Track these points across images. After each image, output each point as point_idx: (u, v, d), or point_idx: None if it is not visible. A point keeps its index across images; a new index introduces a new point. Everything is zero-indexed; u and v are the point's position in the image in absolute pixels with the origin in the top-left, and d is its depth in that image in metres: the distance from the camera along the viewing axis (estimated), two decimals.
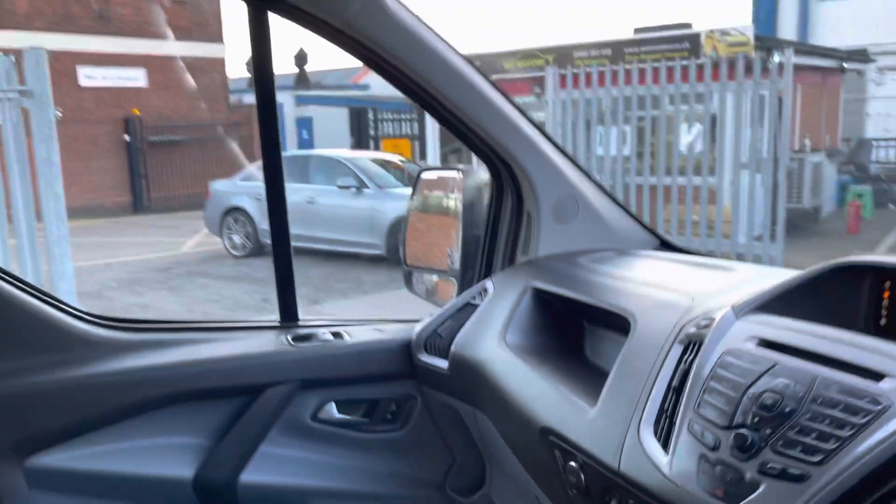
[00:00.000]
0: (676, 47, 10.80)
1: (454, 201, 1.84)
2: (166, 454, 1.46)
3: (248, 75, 19.99)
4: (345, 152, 12.30)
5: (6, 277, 1.37)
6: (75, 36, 16.37)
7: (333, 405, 1.58)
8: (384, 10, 1.38)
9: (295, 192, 10.75)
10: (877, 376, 0.78)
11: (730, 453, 0.83)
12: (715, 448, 0.85)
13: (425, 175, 1.95)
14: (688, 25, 12.18)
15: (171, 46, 18.90)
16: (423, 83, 1.47)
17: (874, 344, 0.83)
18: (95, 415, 1.40)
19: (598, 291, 1.32)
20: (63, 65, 15.70)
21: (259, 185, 11.25)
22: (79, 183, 15.01)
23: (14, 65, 5.83)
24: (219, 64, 19.36)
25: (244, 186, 11.35)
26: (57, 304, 1.44)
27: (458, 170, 1.85)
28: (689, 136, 8.76)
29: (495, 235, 1.72)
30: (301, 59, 23.38)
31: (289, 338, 1.57)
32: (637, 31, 12.41)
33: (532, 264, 1.60)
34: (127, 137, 17.43)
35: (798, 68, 9.86)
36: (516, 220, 1.67)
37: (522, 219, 1.67)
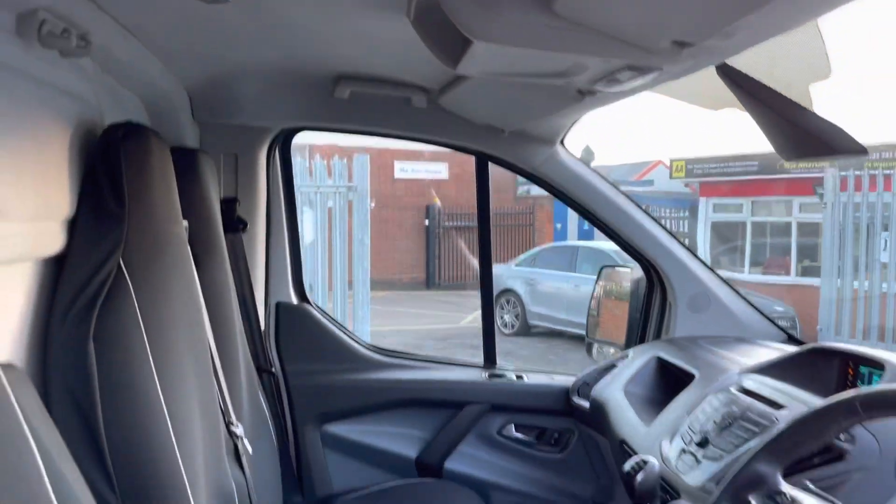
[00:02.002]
0: None
1: (624, 290, 2.45)
2: (400, 440, 2.24)
3: None
4: (613, 245, 12.88)
5: (328, 318, 2.29)
6: None
7: (513, 426, 2.25)
8: (559, 161, 2.10)
9: (563, 280, 11.58)
10: (779, 406, 1.28)
11: (694, 447, 1.36)
12: (688, 444, 1.38)
13: (605, 271, 2.58)
14: None
15: None
16: (588, 207, 2.15)
17: (795, 392, 1.32)
18: (364, 405, 2.24)
19: (690, 359, 1.84)
20: (384, 160, 18.62)
21: (532, 271, 12.36)
22: (384, 260, 17.49)
23: (345, 166, 7.55)
24: None
25: (518, 271, 12.47)
26: (352, 336, 2.33)
27: (628, 267, 2.46)
28: None
29: (647, 318, 2.29)
30: (587, 155, 24.71)
31: (486, 374, 2.29)
32: None
33: (667, 341, 2.14)
34: (426, 222, 19.94)
35: None
36: (661, 307, 2.23)
37: (666, 307, 2.22)
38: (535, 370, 2.36)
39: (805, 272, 12.25)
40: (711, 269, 2.18)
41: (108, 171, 1.24)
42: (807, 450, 0.96)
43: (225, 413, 1.57)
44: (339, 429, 2.24)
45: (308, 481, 2.18)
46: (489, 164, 2.25)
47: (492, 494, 2.19)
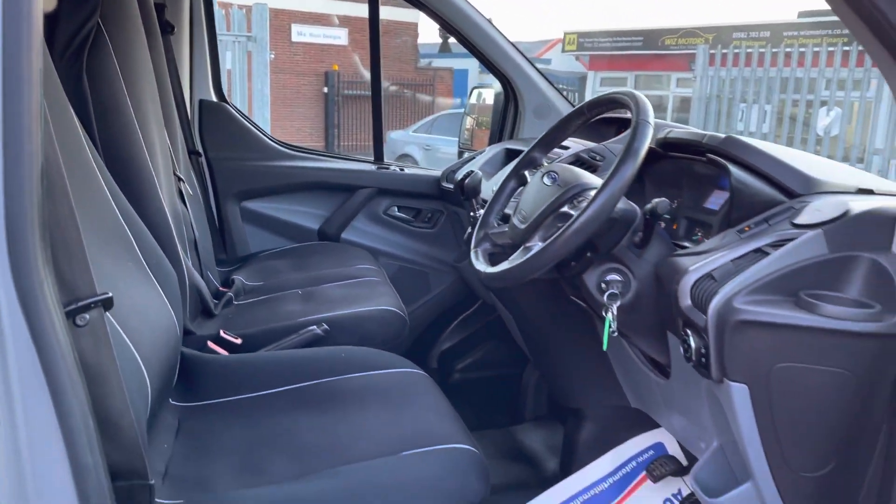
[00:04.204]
0: (839, 33, 10.85)
1: (490, 105, 3.02)
2: (304, 216, 2.80)
3: (440, 40, 21.71)
4: None
5: (243, 115, 2.75)
6: None
7: (396, 207, 2.84)
8: None
9: (454, 145, 12.15)
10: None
11: None
12: None
13: (475, 90, 3.14)
14: None
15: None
16: (461, 31, 2.65)
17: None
18: (274, 186, 2.76)
19: (527, 143, 2.45)
20: (280, 22, 18.13)
21: (427, 137, 12.88)
22: (282, 127, 17.41)
23: (244, 16, 7.63)
24: (412, 28, 21.24)
25: (415, 137, 12.96)
26: (264, 133, 2.81)
27: (492, 86, 3.02)
28: (826, 119, 9.05)
29: (504, 124, 2.88)
30: None
31: (375, 167, 2.85)
32: (801, 14, 12.44)
33: (515, 139, 2.75)
34: (325, 90, 19.80)
35: None
36: (514, 115, 2.82)
37: (518, 115, 2.81)
38: (418, 167, 2.94)
39: None
40: (553, 86, 2.78)
41: None
42: (560, 139, 1.57)
43: (173, 162, 2.06)
44: (254, 205, 2.76)
45: (231, 243, 2.72)
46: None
47: (379, 259, 2.80)
